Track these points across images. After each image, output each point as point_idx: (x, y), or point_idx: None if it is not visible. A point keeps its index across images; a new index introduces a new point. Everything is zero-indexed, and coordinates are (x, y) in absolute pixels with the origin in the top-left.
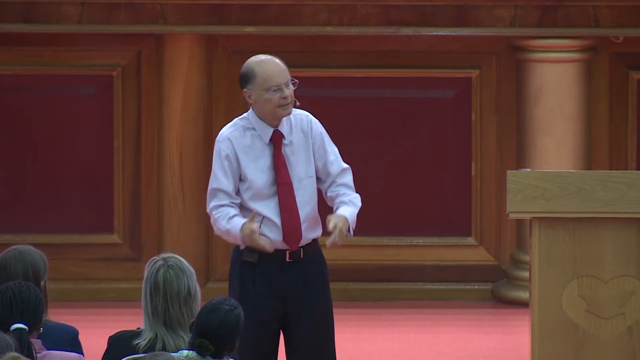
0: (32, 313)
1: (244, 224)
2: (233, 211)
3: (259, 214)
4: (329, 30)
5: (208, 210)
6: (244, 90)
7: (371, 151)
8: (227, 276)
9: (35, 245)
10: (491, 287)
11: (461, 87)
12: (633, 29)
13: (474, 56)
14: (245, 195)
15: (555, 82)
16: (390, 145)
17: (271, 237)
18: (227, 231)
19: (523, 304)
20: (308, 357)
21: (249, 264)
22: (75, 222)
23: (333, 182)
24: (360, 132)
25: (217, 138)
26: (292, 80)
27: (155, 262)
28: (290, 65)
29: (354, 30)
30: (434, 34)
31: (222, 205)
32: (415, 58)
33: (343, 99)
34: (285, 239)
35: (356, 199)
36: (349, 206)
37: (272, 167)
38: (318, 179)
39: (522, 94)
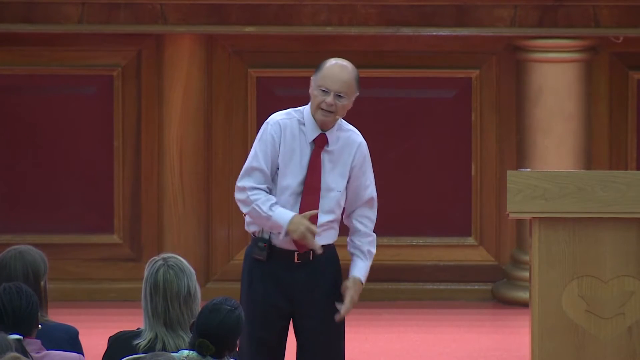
0: (26, 320)
1: (294, 216)
2: (274, 198)
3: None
4: (329, 30)
5: (239, 185)
6: (312, 77)
7: (371, 151)
8: (227, 276)
9: (35, 245)
10: (491, 287)
11: (461, 87)
12: (633, 29)
13: (474, 56)
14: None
15: (555, 82)
16: (390, 146)
17: (281, 235)
18: (268, 217)
19: (523, 304)
20: (317, 354)
21: (257, 261)
22: (75, 222)
23: (358, 207)
24: (360, 132)
25: (267, 120)
26: (342, 95)
27: (155, 262)
28: (290, 65)
29: (354, 30)
30: (434, 34)
31: (258, 189)
32: (415, 58)
33: None
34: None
35: (373, 244)
36: (364, 261)
37: (307, 167)
38: (346, 200)
39: (522, 94)
